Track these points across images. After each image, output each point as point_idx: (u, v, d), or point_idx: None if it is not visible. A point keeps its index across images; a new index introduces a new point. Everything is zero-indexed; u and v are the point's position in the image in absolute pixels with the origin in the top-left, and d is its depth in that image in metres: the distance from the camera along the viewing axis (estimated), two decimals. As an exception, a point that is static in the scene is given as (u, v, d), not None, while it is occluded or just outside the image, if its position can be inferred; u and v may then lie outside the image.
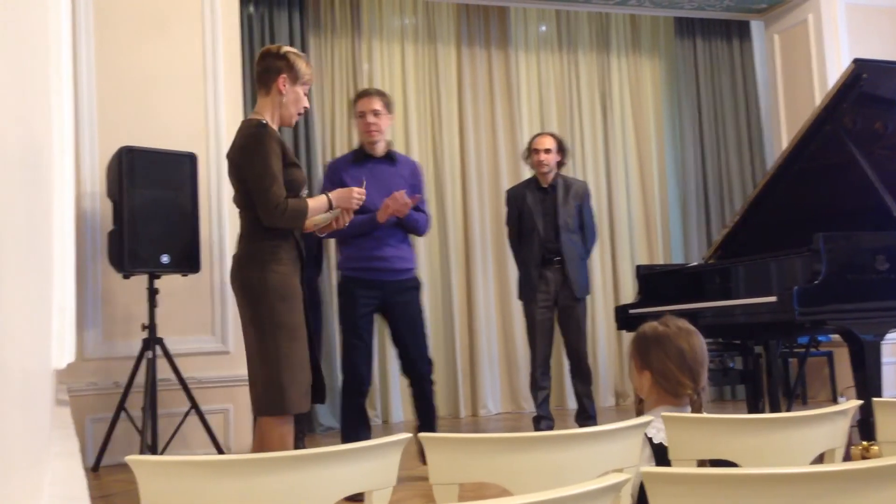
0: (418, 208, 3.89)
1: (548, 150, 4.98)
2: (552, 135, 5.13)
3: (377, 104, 3.83)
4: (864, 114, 3.95)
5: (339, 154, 5.83)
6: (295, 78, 2.99)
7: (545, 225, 4.97)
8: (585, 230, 5.05)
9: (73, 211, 3.65)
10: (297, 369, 2.87)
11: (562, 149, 5.05)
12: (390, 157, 3.90)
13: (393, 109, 3.93)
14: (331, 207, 3.05)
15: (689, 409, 2.01)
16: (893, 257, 3.59)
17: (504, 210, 5.38)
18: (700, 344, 2.05)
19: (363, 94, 3.93)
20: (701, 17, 7.14)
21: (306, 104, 3.08)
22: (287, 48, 3.08)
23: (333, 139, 6.42)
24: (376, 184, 3.35)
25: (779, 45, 6.97)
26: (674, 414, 1.73)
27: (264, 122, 2.96)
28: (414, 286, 3.89)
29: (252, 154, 2.89)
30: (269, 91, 3.00)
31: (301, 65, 3.02)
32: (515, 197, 5.13)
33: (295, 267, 2.95)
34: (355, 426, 3.77)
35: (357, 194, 3.07)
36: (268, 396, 2.85)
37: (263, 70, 3.01)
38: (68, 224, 2.69)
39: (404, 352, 3.92)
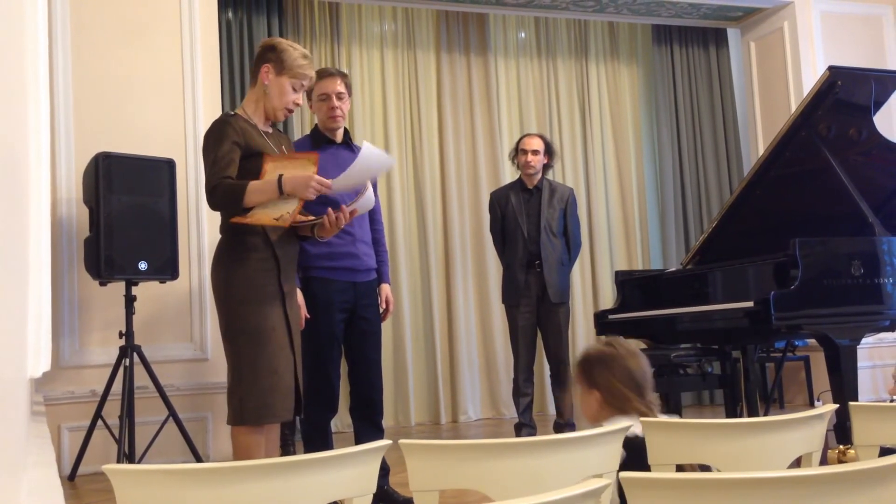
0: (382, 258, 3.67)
1: (535, 152, 4.97)
2: (540, 136, 5.10)
3: (341, 86, 3.52)
4: (838, 120, 4.00)
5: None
6: (281, 69, 2.82)
7: (529, 226, 4.97)
8: (569, 238, 5.02)
9: (49, 217, 3.62)
10: (260, 377, 2.69)
11: (549, 151, 5.04)
12: (348, 143, 3.64)
13: (352, 91, 3.65)
14: (281, 193, 2.69)
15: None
16: (868, 262, 3.64)
17: (486, 217, 5.33)
18: (644, 363, 2.13)
19: (325, 75, 3.56)
20: (678, 24, 7.21)
21: (297, 100, 2.88)
22: (283, 40, 2.92)
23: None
24: (339, 171, 3.12)
25: (755, 52, 7.05)
26: (652, 419, 1.74)
27: (233, 112, 2.89)
28: (376, 286, 3.64)
29: (206, 142, 2.81)
30: (255, 81, 2.90)
31: (291, 56, 2.83)
32: (498, 199, 5.11)
33: (266, 267, 2.77)
34: (324, 445, 3.44)
35: (316, 183, 2.70)
36: (230, 405, 2.74)
37: (255, 61, 2.92)
38: (44, 231, 2.67)
39: (358, 388, 3.55)
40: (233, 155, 2.75)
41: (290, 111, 2.92)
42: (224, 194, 2.70)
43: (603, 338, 2.23)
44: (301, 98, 2.93)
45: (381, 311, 3.64)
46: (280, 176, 2.70)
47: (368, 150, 2.84)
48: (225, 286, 2.78)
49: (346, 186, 2.89)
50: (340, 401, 3.66)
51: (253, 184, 2.69)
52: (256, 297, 2.74)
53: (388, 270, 3.75)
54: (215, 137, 2.78)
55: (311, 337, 3.38)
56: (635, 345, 5.47)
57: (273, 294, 2.78)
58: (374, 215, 3.68)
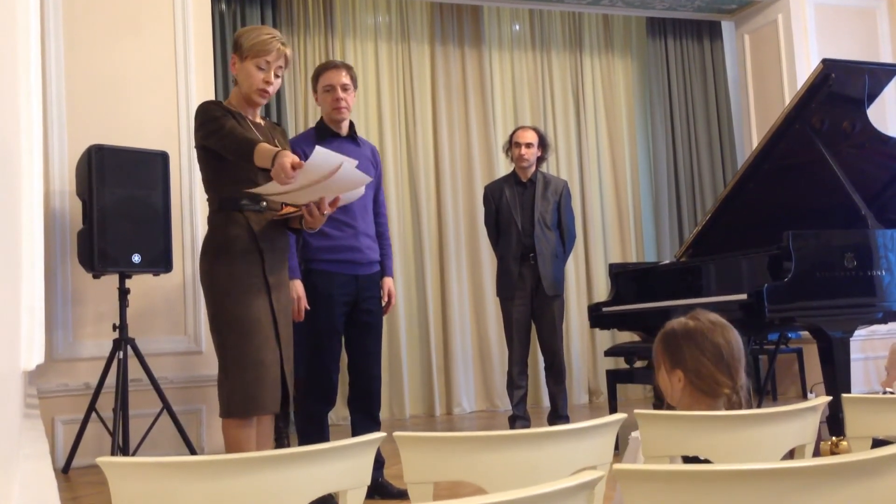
0: (385, 248, 3.68)
1: (529, 145, 4.97)
2: (534, 129, 5.11)
3: (346, 78, 3.51)
4: (832, 113, 4.00)
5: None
6: (243, 54, 2.79)
7: (523, 219, 4.97)
8: (564, 231, 5.02)
9: (42, 210, 3.60)
10: (246, 370, 2.68)
11: (543, 144, 5.05)
12: (353, 137, 3.62)
13: (357, 84, 3.64)
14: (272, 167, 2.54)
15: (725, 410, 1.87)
16: (861, 255, 3.65)
17: (480, 209, 5.31)
18: (735, 338, 1.91)
19: (330, 67, 3.57)
20: (672, 17, 7.20)
21: (267, 78, 2.79)
22: (247, 28, 2.91)
23: (306, 137, 6.39)
24: None
25: (749, 45, 7.05)
26: (646, 411, 1.74)
27: (216, 100, 2.89)
28: (378, 279, 3.64)
29: (197, 120, 2.80)
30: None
31: (249, 38, 2.79)
32: (493, 193, 5.11)
33: (250, 259, 2.74)
34: (320, 437, 3.46)
35: (290, 168, 2.47)
36: (220, 398, 2.74)
37: None
38: (37, 223, 2.66)
39: (357, 380, 3.57)
40: (231, 121, 2.74)
41: (266, 92, 2.82)
42: (240, 140, 2.64)
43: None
44: (272, 76, 2.81)
45: (382, 304, 3.65)
46: (278, 151, 2.56)
47: (314, 156, 2.54)
48: (210, 279, 2.77)
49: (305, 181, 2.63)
50: (338, 393, 3.67)
51: (262, 144, 2.62)
52: (239, 289, 2.72)
53: (392, 264, 3.76)
54: (206, 114, 2.77)
55: (310, 329, 3.40)
56: (629, 337, 5.47)
57: (257, 286, 2.75)
58: (378, 209, 3.69)
